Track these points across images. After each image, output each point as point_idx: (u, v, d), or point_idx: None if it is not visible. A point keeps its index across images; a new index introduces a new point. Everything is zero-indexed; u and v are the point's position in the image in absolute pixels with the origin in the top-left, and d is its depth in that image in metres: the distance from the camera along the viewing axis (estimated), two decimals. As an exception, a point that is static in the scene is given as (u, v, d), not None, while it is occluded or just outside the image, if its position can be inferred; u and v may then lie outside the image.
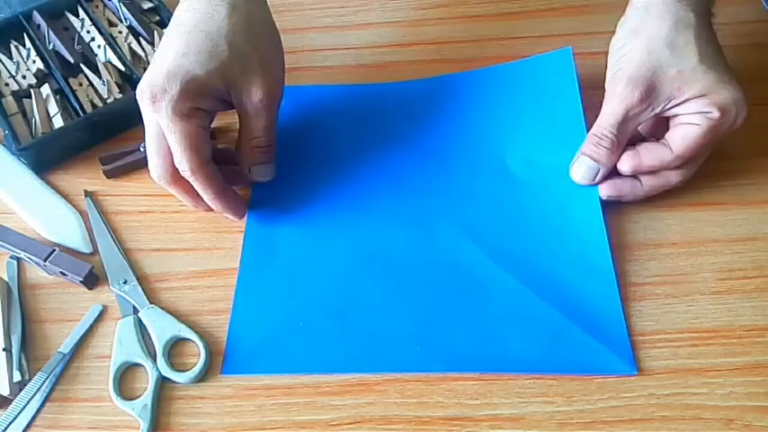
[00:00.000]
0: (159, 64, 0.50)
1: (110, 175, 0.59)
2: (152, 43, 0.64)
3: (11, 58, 0.64)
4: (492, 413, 0.48)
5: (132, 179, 0.60)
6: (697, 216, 0.55)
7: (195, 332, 0.51)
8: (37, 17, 0.66)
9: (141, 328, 0.52)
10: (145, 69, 0.63)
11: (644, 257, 0.53)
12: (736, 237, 0.54)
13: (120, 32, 0.66)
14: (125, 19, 0.66)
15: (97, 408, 0.49)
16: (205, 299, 0.53)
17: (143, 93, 0.50)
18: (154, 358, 0.50)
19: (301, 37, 0.68)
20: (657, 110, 0.51)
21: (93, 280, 0.54)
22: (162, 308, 0.52)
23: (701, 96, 0.49)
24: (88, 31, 0.66)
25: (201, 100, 0.50)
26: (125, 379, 0.50)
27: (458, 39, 0.67)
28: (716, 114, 0.49)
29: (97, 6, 0.68)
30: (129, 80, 0.63)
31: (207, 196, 0.52)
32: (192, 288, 0.54)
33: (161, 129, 0.50)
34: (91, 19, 0.66)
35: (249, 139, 0.53)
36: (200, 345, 0.50)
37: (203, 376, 0.50)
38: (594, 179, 0.53)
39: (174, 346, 0.51)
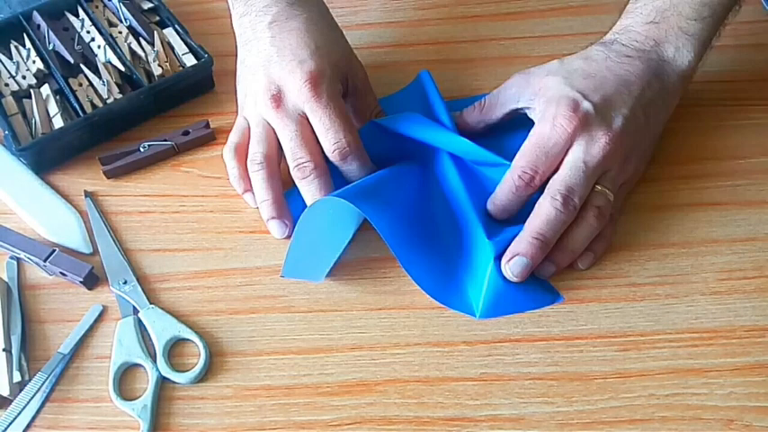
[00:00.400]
0: (293, 58, 0.53)
1: (110, 175, 0.59)
2: (152, 43, 0.64)
3: (11, 58, 0.64)
4: (492, 413, 0.48)
5: (132, 179, 0.60)
6: (697, 216, 0.55)
7: (195, 332, 0.51)
8: (37, 17, 0.65)
9: (141, 328, 0.52)
10: (145, 69, 0.63)
11: (644, 257, 0.53)
12: (736, 237, 0.54)
13: (120, 33, 0.66)
14: (125, 19, 0.66)
15: (97, 408, 0.49)
16: (205, 299, 0.53)
17: (302, 77, 0.52)
18: (154, 358, 0.50)
19: (301, 37, 0.68)
20: (523, 102, 0.55)
21: (93, 280, 0.54)
22: (162, 308, 0.52)
23: (543, 101, 0.52)
24: (88, 32, 0.66)
25: (339, 84, 0.55)
26: (125, 379, 0.50)
27: (458, 39, 0.67)
28: (538, 111, 0.53)
29: (97, 6, 0.68)
30: (129, 80, 0.63)
31: (362, 172, 0.54)
32: (192, 288, 0.54)
33: (287, 119, 0.53)
34: (91, 19, 0.66)
35: (368, 112, 0.58)
36: (200, 345, 0.50)
37: (203, 376, 0.50)
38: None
39: (174, 347, 0.51)
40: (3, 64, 0.64)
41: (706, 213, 0.55)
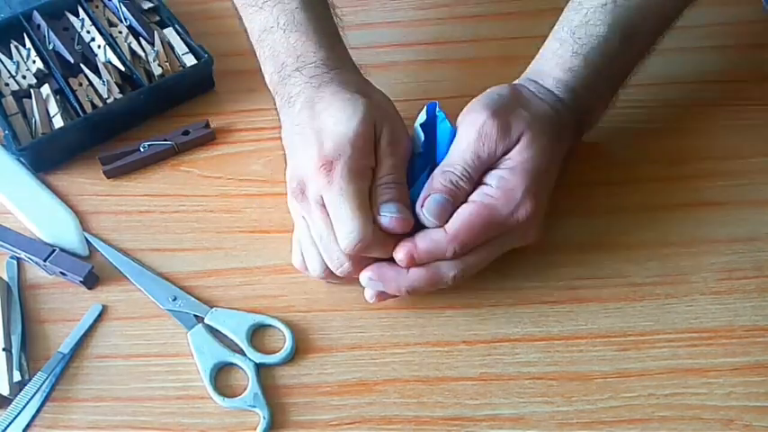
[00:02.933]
0: (316, 142, 0.47)
1: (110, 175, 0.59)
2: (152, 43, 0.64)
3: (11, 58, 0.64)
4: (492, 413, 0.48)
5: (132, 179, 0.60)
6: (697, 216, 0.55)
7: (271, 317, 0.52)
8: (37, 17, 0.65)
9: (213, 332, 0.52)
10: (145, 69, 0.63)
11: (644, 257, 0.53)
12: (736, 237, 0.54)
13: (120, 32, 0.66)
14: (125, 19, 0.66)
15: (97, 408, 0.49)
16: (205, 299, 0.53)
17: (311, 170, 0.47)
18: (242, 352, 0.50)
19: (301, 37, 0.68)
20: (498, 156, 0.48)
21: (93, 280, 0.54)
22: (225, 308, 0.52)
23: (508, 169, 0.48)
24: (88, 31, 0.66)
25: (368, 156, 0.48)
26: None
27: (458, 39, 0.67)
28: (494, 192, 0.47)
29: (97, 6, 0.68)
30: (129, 80, 0.63)
31: (356, 266, 0.49)
32: (192, 288, 0.54)
33: (312, 213, 0.48)
34: (91, 19, 0.66)
35: (379, 180, 0.48)
36: (282, 327, 0.51)
37: (294, 355, 0.50)
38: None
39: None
40: (3, 64, 0.64)
41: (706, 213, 0.55)
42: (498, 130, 0.48)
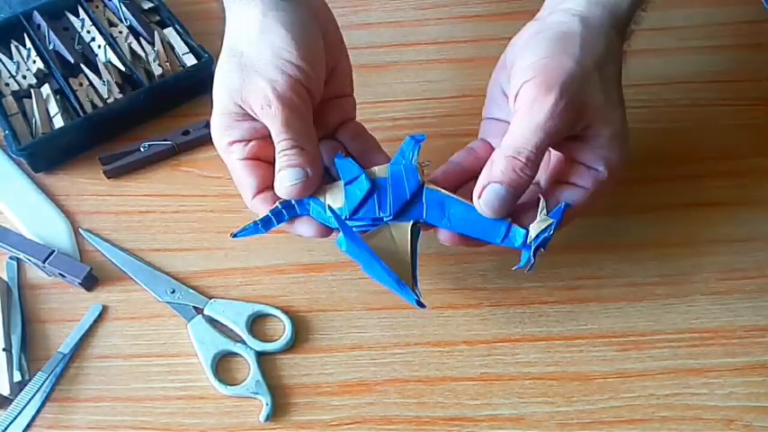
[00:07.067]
0: (215, 94, 0.48)
1: (110, 175, 0.59)
2: (152, 43, 0.64)
3: (11, 58, 0.64)
4: (492, 413, 0.48)
5: (132, 179, 0.60)
6: (697, 216, 0.55)
7: (270, 306, 0.52)
8: (37, 17, 0.65)
9: (213, 322, 0.52)
10: (145, 69, 0.63)
11: (644, 257, 0.53)
12: (736, 237, 0.54)
13: (121, 32, 0.66)
14: (125, 19, 0.66)
15: (97, 408, 0.49)
16: (205, 296, 0.53)
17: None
18: (242, 341, 0.51)
19: (301, 37, 0.68)
20: (575, 131, 0.44)
21: (91, 281, 0.54)
22: (223, 298, 0.53)
23: (604, 145, 0.44)
24: (88, 31, 0.66)
25: (232, 131, 0.47)
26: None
27: (458, 39, 0.67)
28: (604, 175, 0.44)
29: (97, 6, 0.67)
30: (129, 80, 0.63)
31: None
32: (192, 288, 0.54)
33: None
34: (91, 19, 0.66)
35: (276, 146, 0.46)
36: (281, 316, 0.52)
37: (294, 341, 0.51)
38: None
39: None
40: (3, 64, 0.64)
41: (706, 213, 0.55)
42: (572, 109, 0.42)
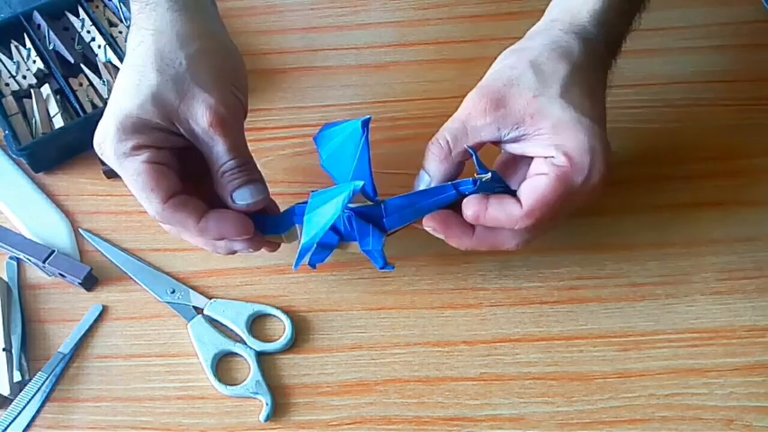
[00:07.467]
0: (110, 104, 0.46)
1: (110, 175, 0.59)
2: (152, 43, 0.64)
3: (11, 58, 0.64)
4: (492, 413, 0.48)
5: (132, 179, 0.60)
6: (697, 216, 0.55)
7: (270, 306, 0.52)
8: (37, 17, 0.65)
9: (213, 322, 0.52)
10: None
11: (644, 257, 0.53)
12: (736, 237, 0.54)
13: (121, 32, 0.66)
14: (125, 19, 0.66)
15: (97, 408, 0.49)
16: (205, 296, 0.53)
17: (97, 150, 0.46)
18: (242, 341, 0.51)
19: (301, 37, 0.68)
20: (505, 133, 0.45)
21: (91, 282, 0.54)
22: (224, 298, 0.53)
23: (550, 135, 0.43)
24: (88, 31, 0.65)
25: (142, 136, 0.44)
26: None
27: (458, 39, 0.67)
28: (562, 161, 0.43)
29: (97, 6, 0.67)
30: (129, 80, 0.63)
31: (190, 235, 0.48)
32: (192, 288, 0.54)
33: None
34: (91, 19, 0.66)
35: (217, 170, 0.46)
36: (281, 316, 0.52)
37: (294, 342, 0.51)
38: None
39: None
40: (3, 64, 0.63)
41: (706, 213, 0.55)
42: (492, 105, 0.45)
